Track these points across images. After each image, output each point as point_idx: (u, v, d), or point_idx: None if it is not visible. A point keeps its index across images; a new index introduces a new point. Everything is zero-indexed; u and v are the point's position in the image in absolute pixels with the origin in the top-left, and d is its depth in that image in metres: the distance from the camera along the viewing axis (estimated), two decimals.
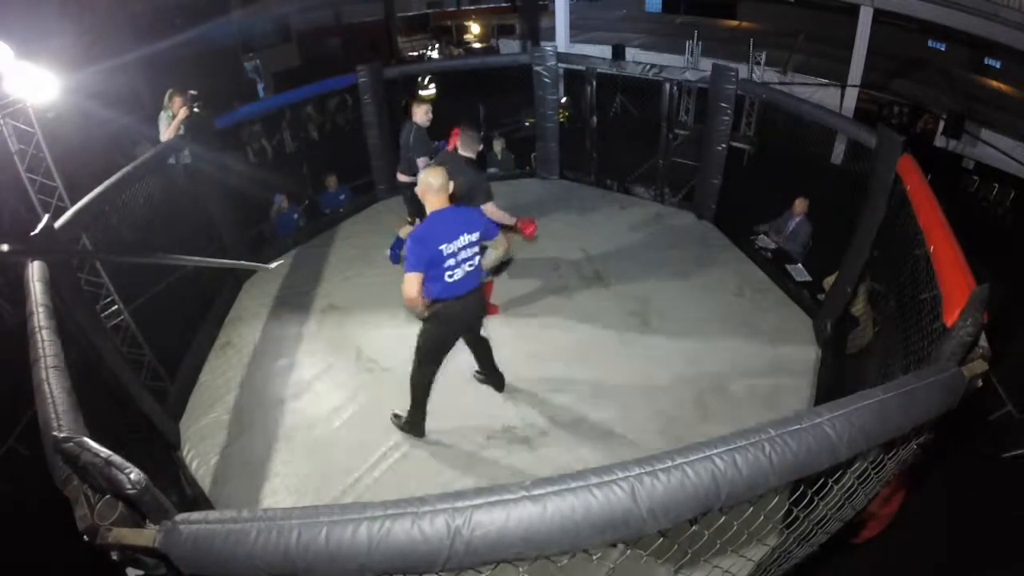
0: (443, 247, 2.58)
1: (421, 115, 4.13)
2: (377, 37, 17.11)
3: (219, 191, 4.60)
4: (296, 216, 6.33)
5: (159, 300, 4.29)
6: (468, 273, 2.73)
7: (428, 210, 2.68)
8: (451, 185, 2.70)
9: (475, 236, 2.70)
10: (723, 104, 4.91)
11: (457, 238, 2.63)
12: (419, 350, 2.99)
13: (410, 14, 19.10)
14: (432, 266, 2.60)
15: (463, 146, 3.63)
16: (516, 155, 7.10)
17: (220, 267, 4.41)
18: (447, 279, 2.66)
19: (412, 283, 2.56)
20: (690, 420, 3.38)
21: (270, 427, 3.48)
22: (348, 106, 11.37)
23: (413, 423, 3.25)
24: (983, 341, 1.49)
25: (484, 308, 3.28)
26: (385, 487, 3.05)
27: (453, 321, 2.88)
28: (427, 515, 0.92)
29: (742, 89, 5.05)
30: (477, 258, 2.77)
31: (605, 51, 11.17)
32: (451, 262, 2.63)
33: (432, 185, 2.63)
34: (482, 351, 3.38)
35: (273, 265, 4.17)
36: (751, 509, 1.20)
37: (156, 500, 1.04)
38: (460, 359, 3.85)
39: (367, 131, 5.79)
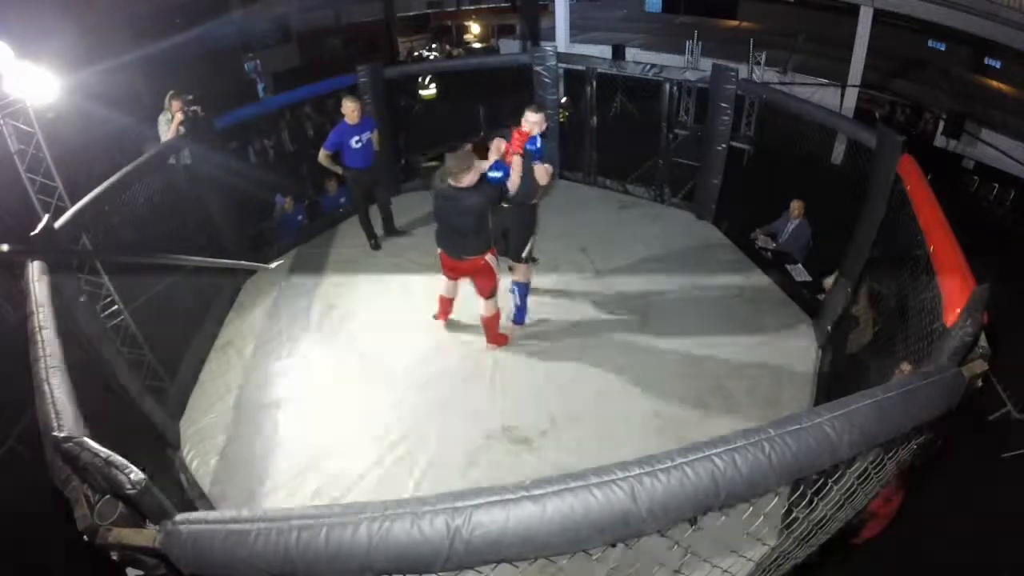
0: None
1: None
2: (377, 37, 17.11)
3: (219, 191, 4.59)
4: (300, 218, 6.33)
5: (159, 300, 4.29)
6: None
7: None
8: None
9: None
10: (723, 104, 4.90)
11: None
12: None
13: (410, 14, 19.10)
14: None
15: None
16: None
17: (220, 267, 4.41)
18: None
19: None
20: (690, 420, 3.38)
21: (270, 427, 3.48)
22: None
23: None
24: (983, 341, 1.49)
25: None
26: (385, 487, 3.05)
27: None
28: (427, 515, 0.92)
29: (742, 89, 5.05)
30: None
31: (605, 51, 11.17)
32: None
33: None
34: None
35: (273, 265, 4.17)
36: (751, 509, 1.20)
37: (156, 500, 1.04)
38: (460, 359, 3.87)
39: None
